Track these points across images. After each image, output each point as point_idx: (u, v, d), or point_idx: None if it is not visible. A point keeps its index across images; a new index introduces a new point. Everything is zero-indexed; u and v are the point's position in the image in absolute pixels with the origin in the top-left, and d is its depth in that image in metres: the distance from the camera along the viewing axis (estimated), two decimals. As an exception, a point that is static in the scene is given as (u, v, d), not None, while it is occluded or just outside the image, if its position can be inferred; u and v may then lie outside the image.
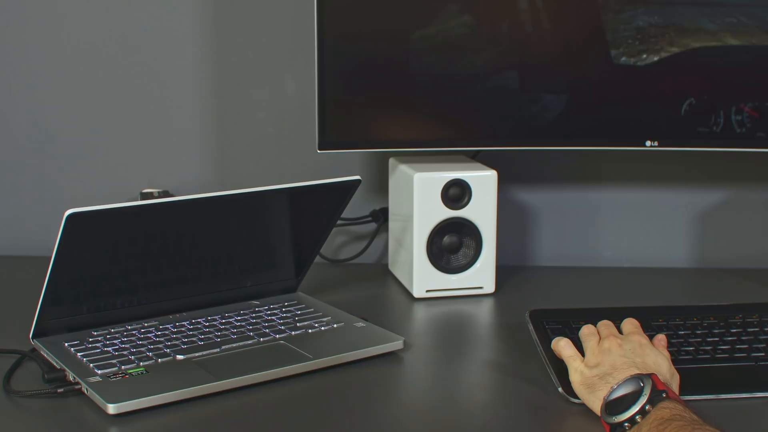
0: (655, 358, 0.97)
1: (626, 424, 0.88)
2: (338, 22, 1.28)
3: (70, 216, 0.99)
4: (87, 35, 1.47)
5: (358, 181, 1.19)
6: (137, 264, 1.12)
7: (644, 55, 1.32)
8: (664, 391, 0.90)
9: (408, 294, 1.35)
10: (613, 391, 0.92)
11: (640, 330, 1.03)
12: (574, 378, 0.99)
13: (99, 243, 1.08)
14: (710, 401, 1.00)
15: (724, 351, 1.08)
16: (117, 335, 1.11)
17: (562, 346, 1.02)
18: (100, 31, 1.47)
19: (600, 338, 1.01)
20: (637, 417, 0.88)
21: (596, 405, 0.94)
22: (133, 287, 1.14)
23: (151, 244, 1.09)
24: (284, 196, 1.17)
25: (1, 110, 1.49)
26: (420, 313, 1.30)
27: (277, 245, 1.24)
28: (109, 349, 1.07)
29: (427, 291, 1.34)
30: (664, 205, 1.53)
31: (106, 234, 1.07)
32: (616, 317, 1.14)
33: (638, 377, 0.92)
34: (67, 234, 1.01)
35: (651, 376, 0.91)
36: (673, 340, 1.09)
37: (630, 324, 1.04)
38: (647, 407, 0.88)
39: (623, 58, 1.32)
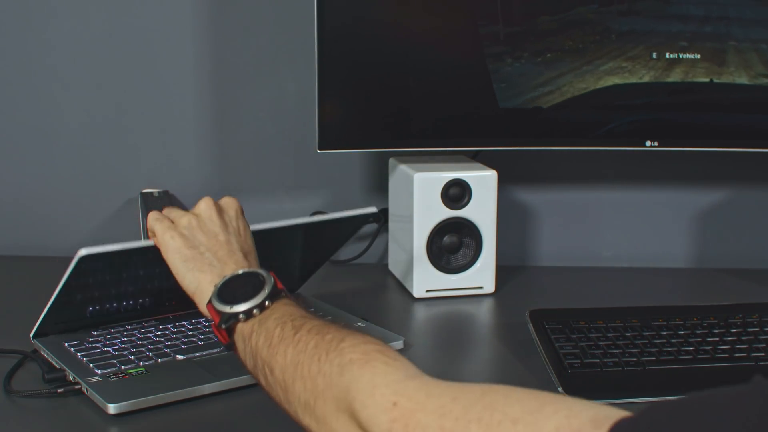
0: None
1: (241, 316, 0.84)
2: (338, 22, 1.28)
3: (82, 258, 0.99)
4: (87, 35, 1.47)
5: (375, 213, 1.18)
6: (143, 277, 1.12)
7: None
8: (283, 290, 0.87)
9: (408, 294, 1.35)
10: (226, 278, 0.89)
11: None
12: (171, 250, 0.93)
13: (107, 274, 1.08)
14: (710, 401, 1.00)
15: (724, 351, 1.08)
16: (117, 335, 1.11)
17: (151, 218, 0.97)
18: (100, 31, 1.47)
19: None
20: (255, 311, 0.84)
21: (200, 286, 0.90)
22: (137, 292, 1.14)
23: (159, 264, 1.10)
24: (300, 229, 1.16)
25: (0, 110, 1.49)
26: (420, 313, 1.30)
27: (284, 261, 1.25)
28: (109, 349, 1.07)
29: (427, 291, 1.34)
30: (664, 205, 1.53)
31: (115, 267, 1.08)
32: (616, 317, 1.14)
33: (257, 272, 0.89)
34: (76, 271, 1.01)
35: (271, 273, 0.88)
36: (673, 340, 1.09)
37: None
38: (267, 302, 0.85)
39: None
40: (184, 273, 0.92)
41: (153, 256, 0.97)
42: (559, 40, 1.31)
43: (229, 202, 0.99)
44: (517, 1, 1.31)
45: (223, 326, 0.85)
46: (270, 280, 0.87)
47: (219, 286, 0.88)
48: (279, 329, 0.81)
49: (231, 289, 0.88)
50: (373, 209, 1.18)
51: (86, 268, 1.03)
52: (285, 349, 0.79)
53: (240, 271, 0.90)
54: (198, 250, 0.93)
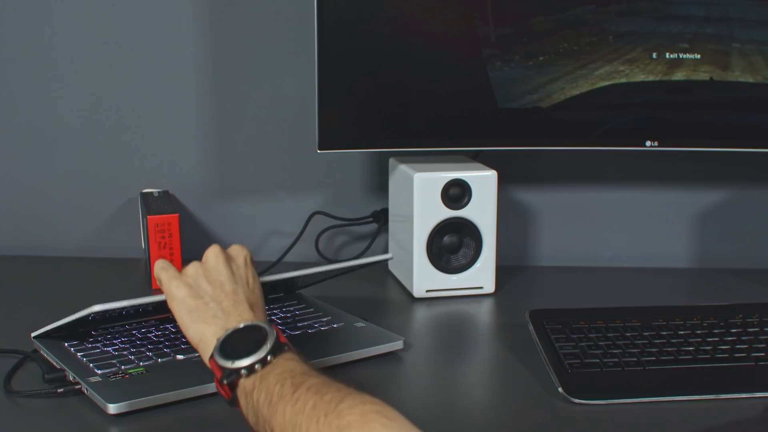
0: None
1: (243, 372, 0.84)
2: (338, 21, 1.28)
3: (93, 313, 0.99)
4: (87, 35, 1.47)
5: (390, 258, 1.17)
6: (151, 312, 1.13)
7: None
8: (286, 344, 0.86)
9: (408, 294, 1.35)
10: (228, 333, 0.88)
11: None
12: (177, 300, 0.92)
13: (114, 317, 1.09)
14: (710, 401, 1.00)
15: (724, 351, 1.08)
16: (117, 335, 1.11)
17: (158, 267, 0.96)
18: (100, 31, 1.47)
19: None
20: (257, 366, 0.84)
21: (198, 337, 0.90)
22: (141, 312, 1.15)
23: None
24: (312, 277, 1.15)
25: (0, 110, 1.49)
26: (420, 313, 1.30)
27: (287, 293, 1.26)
28: (109, 349, 1.07)
29: (427, 291, 1.34)
30: (664, 205, 1.53)
31: (122, 315, 1.09)
32: (616, 317, 1.14)
33: (259, 326, 0.88)
34: (84, 318, 1.02)
35: (273, 326, 0.88)
36: (673, 340, 1.09)
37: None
38: (269, 357, 0.84)
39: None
40: (188, 324, 0.91)
41: (162, 306, 0.97)
42: (553, 41, 1.30)
43: (237, 251, 0.98)
44: (510, 2, 1.31)
45: (225, 382, 0.85)
46: (273, 334, 0.86)
47: (221, 340, 0.87)
48: (279, 386, 0.80)
49: (233, 344, 0.87)
50: (389, 256, 1.17)
51: (94, 317, 1.03)
52: (284, 407, 0.78)
53: (242, 325, 0.89)
54: (203, 300, 0.92)
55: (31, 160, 1.51)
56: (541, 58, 1.30)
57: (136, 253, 1.50)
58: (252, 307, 0.92)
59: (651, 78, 1.32)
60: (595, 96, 1.33)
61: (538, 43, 1.30)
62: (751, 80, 1.31)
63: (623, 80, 1.32)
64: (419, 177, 1.31)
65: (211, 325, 0.89)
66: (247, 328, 0.88)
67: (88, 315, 1.00)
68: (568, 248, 1.54)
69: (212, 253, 0.96)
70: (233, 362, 0.84)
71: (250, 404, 0.83)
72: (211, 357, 0.87)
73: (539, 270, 1.50)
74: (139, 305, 1.02)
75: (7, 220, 1.52)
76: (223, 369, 0.85)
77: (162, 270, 0.95)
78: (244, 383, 0.84)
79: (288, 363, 0.84)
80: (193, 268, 0.95)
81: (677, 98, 1.33)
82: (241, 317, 0.90)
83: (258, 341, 0.85)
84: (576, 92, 1.32)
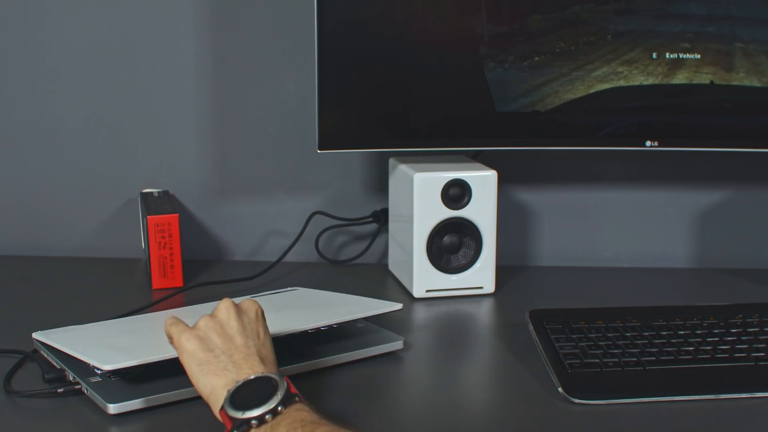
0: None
1: (253, 422, 0.84)
2: (338, 22, 1.28)
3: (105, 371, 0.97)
4: (87, 35, 1.47)
5: (400, 309, 1.15)
6: None
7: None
8: (297, 395, 0.87)
9: (408, 294, 1.35)
10: (239, 384, 0.88)
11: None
12: (187, 353, 0.92)
13: None
14: (710, 401, 1.00)
15: (724, 351, 1.08)
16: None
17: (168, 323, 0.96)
18: (100, 31, 1.47)
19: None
20: (267, 416, 0.84)
21: (209, 389, 0.89)
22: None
23: None
24: (322, 332, 1.15)
25: (0, 110, 1.49)
26: (420, 313, 1.30)
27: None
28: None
29: (427, 291, 1.34)
30: (664, 205, 1.53)
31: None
32: (616, 317, 1.14)
33: (269, 377, 0.88)
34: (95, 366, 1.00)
35: (284, 378, 0.88)
36: (673, 340, 1.09)
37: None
38: (279, 408, 0.84)
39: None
40: (198, 377, 0.91)
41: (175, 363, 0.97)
42: (549, 41, 1.29)
43: (249, 305, 0.98)
44: (506, 1, 1.30)
45: None
46: (283, 384, 0.87)
47: (232, 391, 0.88)
48: None
49: (244, 395, 0.87)
50: (398, 306, 1.15)
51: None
52: None
53: (252, 376, 0.89)
54: (213, 353, 0.92)
55: (31, 160, 1.51)
56: (536, 59, 1.30)
57: (136, 253, 1.50)
58: (263, 360, 0.93)
59: (651, 81, 1.32)
60: (592, 100, 1.32)
61: (533, 43, 1.30)
62: (756, 84, 1.30)
63: (621, 83, 1.31)
64: (419, 177, 1.31)
65: (222, 378, 0.90)
66: (257, 379, 0.88)
67: (107, 373, 0.99)
68: (568, 248, 1.54)
69: (223, 306, 0.96)
70: (243, 413, 0.84)
71: None
72: (222, 408, 0.87)
73: (539, 270, 1.50)
74: (154, 361, 1.00)
75: (7, 220, 1.52)
76: (233, 420, 0.85)
77: (172, 326, 0.96)
78: None
79: (298, 413, 0.84)
80: (203, 321, 0.95)
81: (678, 101, 1.33)
82: (252, 370, 0.90)
83: (268, 392, 0.86)
84: (571, 96, 1.31)
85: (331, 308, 1.17)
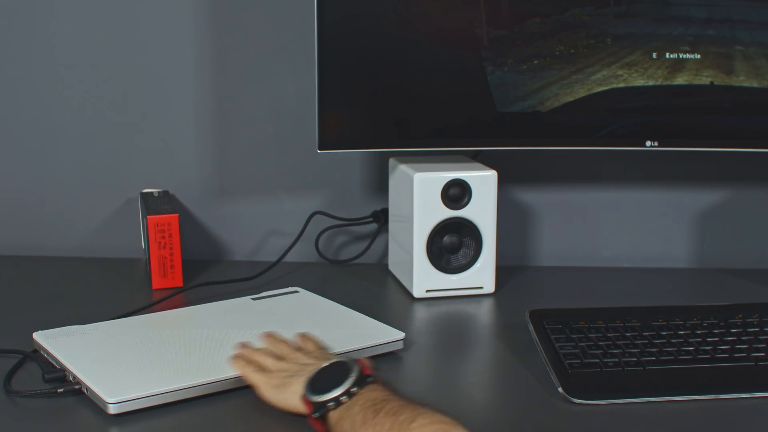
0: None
1: (330, 404, 0.89)
2: (338, 22, 1.28)
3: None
4: (87, 35, 1.47)
5: (402, 339, 1.14)
6: None
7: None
8: (370, 376, 0.91)
9: (408, 294, 1.35)
10: (317, 371, 0.93)
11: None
12: (261, 385, 0.98)
13: None
14: (710, 401, 1.00)
15: (724, 351, 1.08)
16: (117, 335, 1.11)
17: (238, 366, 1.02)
18: (100, 31, 1.47)
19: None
20: (343, 398, 0.89)
21: (292, 399, 0.94)
22: None
23: None
24: None
25: (1, 110, 1.49)
26: (420, 313, 1.30)
27: None
28: (110, 349, 1.07)
29: (427, 291, 1.34)
30: (664, 205, 1.53)
31: None
32: (616, 317, 1.14)
33: (343, 362, 0.93)
34: None
35: (358, 360, 0.93)
36: (673, 340, 1.09)
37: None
38: (353, 389, 0.89)
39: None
40: (279, 398, 0.96)
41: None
42: (549, 44, 1.29)
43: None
44: (506, 3, 1.30)
45: (316, 415, 0.89)
46: (355, 367, 0.91)
47: (310, 378, 0.93)
48: (362, 414, 0.86)
49: (321, 381, 0.92)
50: (401, 335, 1.14)
51: None
52: None
53: (326, 363, 0.94)
54: (278, 373, 0.98)
55: (32, 160, 1.51)
56: (535, 62, 1.30)
57: (136, 253, 1.50)
58: (324, 354, 1.00)
59: (651, 83, 1.32)
60: (592, 100, 1.32)
61: (533, 46, 1.30)
62: (756, 85, 1.30)
63: (621, 84, 1.31)
64: (419, 177, 1.31)
65: (295, 384, 0.94)
66: (331, 365, 0.94)
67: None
68: (568, 248, 1.54)
69: (266, 342, 1.06)
70: (321, 396, 0.90)
71: None
72: (304, 395, 0.92)
73: (539, 270, 1.50)
74: (164, 393, 0.99)
75: (7, 220, 1.52)
76: (313, 404, 0.90)
77: (240, 368, 1.01)
78: (333, 415, 0.89)
79: (373, 393, 0.88)
80: (257, 356, 1.02)
81: (678, 101, 1.33)
82: (325, 359, 0.97)
83: (343, 375, 0.91)
84: (570, 99, 1.31)
85: (332, 331, 1.15)
